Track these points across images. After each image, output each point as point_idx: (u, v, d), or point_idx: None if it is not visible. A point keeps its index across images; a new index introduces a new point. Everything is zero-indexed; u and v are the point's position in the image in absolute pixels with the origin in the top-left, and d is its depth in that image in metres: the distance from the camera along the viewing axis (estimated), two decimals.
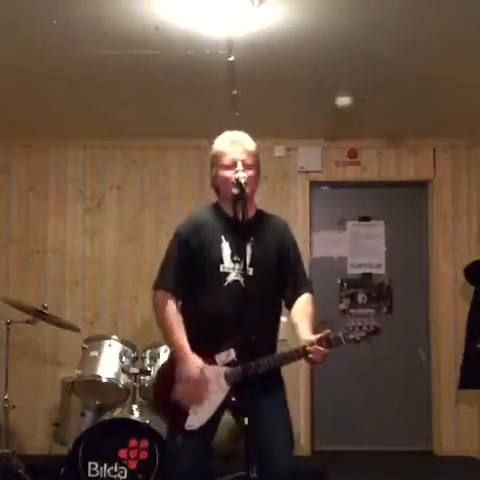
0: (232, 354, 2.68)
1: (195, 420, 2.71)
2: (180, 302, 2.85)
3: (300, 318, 2.79)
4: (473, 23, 3.38)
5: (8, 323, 4.48)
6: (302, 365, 4.14)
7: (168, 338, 2.83)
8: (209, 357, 2.71)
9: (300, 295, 2.86)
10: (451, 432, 5.39)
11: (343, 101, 4.47)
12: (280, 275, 2.86)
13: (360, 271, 5.70)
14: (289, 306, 2.87)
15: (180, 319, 2.79)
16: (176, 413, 2.75)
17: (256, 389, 2.62)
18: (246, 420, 2.47)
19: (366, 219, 5.73)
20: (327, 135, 5.43)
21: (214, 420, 2.74)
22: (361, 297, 5.67)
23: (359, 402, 5.51)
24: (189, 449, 2.74)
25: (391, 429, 5.45)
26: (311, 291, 2.92)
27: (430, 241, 5.61)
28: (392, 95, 4.45)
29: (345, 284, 5.68)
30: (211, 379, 2.69)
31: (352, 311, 5.66)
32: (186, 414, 2.72)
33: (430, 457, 5.38)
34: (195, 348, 2.72)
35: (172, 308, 2.79)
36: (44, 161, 5.56)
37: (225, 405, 2.71)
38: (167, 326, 2.79)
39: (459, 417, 5.40)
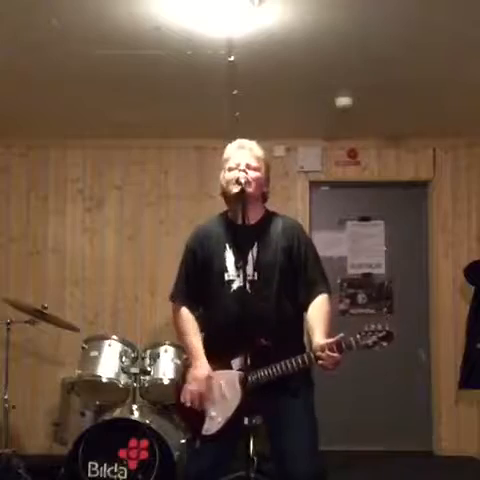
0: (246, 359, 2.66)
1: (212, 425, 2.72)
2: (190, 309, 2.92)
3: (313, 322, 2.73)
4: (472, 23, 3.38)
5: (8, 323, 4.48)
6: None
7: (183, 343, 2.94)
8: (226, 363, 2.73)
9: (315, 297, 2.79)
10: (451, 432, 5.39)
11: (343, 101, 4.48)
12: (291, 277, 2.81)
13: (360, 271, 5.70)
14: (305, 308, 2.81)
15: (195, 325, 2.88)
16: (194, 417, 2.76)
17: (276, 394, 2.62)
18: (246, 420, 2.45)
19: (366, 219, 5.72)
20: (327, 135, 5.43)
21: (234, 429, 2.63)
22: (361, 297, 5.67)
23: (359, 402, 5.51)
24: (205, 455, 2.75)
25: (391, 429, 5.45)
26: (328, 291, 2.82)
27: (430, 241, 5.61)
28: (392, 95, 4.46)
29: (345, 284, 5.68)
30: (227, 384, 2.71)
31: (352, 311, 5.66)
32: (203, 419, 2.73)
33: (430, 457, 5.38)
34: (212, 354, 2.78)
35: (185, 315, 2.89)
36: (44, 161, 5.56)
37: (243, 412, 2.59)
38: (181, 332, 2.91)
39: (459, 417, 5.40)
